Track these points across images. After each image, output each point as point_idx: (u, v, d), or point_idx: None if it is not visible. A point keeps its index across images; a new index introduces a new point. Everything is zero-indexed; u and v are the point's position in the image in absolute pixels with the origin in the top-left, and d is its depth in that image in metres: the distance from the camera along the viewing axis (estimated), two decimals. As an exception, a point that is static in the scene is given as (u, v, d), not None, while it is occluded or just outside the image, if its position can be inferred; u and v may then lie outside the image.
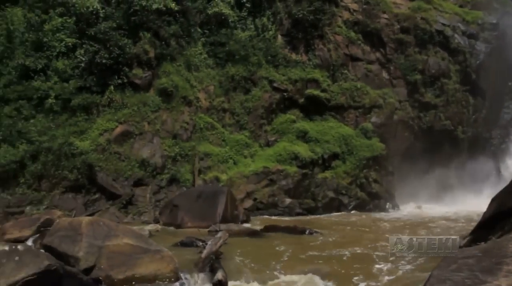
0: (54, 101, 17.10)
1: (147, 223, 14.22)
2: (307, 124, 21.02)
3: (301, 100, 21.51)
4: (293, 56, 22.20)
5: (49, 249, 7.15)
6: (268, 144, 20.26)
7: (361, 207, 19.35)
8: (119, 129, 17.36)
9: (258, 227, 12.57)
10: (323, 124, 21.30)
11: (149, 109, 18.25)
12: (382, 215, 18.13)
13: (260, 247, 9.99)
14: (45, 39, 17.94)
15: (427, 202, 20.87)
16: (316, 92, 21.48)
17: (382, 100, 22.22)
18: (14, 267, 5.85)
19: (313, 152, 20.00)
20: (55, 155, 15.78)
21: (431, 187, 21.32)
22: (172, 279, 7.26)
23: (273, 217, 16.17)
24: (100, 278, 6.94)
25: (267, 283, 7.07)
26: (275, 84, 21.17)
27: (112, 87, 17.81)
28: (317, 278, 7.10)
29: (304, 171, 18.99)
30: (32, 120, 16.73)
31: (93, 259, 7.11)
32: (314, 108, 21.54)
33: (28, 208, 14.58)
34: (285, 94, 21.26)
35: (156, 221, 14.27)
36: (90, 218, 8.68)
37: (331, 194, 19.00)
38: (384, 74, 23.36)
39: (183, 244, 9.95)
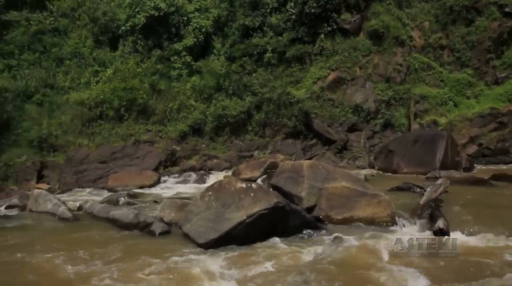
0: (271, 55, 18.58)
1: (362, 167, 14.46)
2: (551, 54, 17.48)
3: (544, 25, 17.85)
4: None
5: (275, 188, 7.99)
6: (497, 81, 17.73)
7: None
8: (332, 76, 17.79)
9: (484, 176, 11.29)
10: None
11: (360, 53, 18.15)
12: None
13: (486, 198, 8.98)
14: (259, -2, 19.29)
15: None
16: None
17: None
18: (251, 202, 6.81)
19: (559, 87, 16.70)
20: (275, 104, 17.23)
21: None
22: (389, 224, 7.26)
23: (503, 166, 14.26)
24: (321, 217, 7.46)
25: (492, 240, 6.32)
26: (507, 9, 18.00)
27: (322, 36, 18.22)
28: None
29: (546, 111, 16.09)
30: (254, 74, 18.56)
31: (314, 199, 7.65)
32: None
33: (255, 152, 16.56)
34: (519, 20, 17.97)
35: (371, 166, 14.39)
36: (309, 161, 9.29)
37: None
38: None
39: (400, 189, 9.78)
